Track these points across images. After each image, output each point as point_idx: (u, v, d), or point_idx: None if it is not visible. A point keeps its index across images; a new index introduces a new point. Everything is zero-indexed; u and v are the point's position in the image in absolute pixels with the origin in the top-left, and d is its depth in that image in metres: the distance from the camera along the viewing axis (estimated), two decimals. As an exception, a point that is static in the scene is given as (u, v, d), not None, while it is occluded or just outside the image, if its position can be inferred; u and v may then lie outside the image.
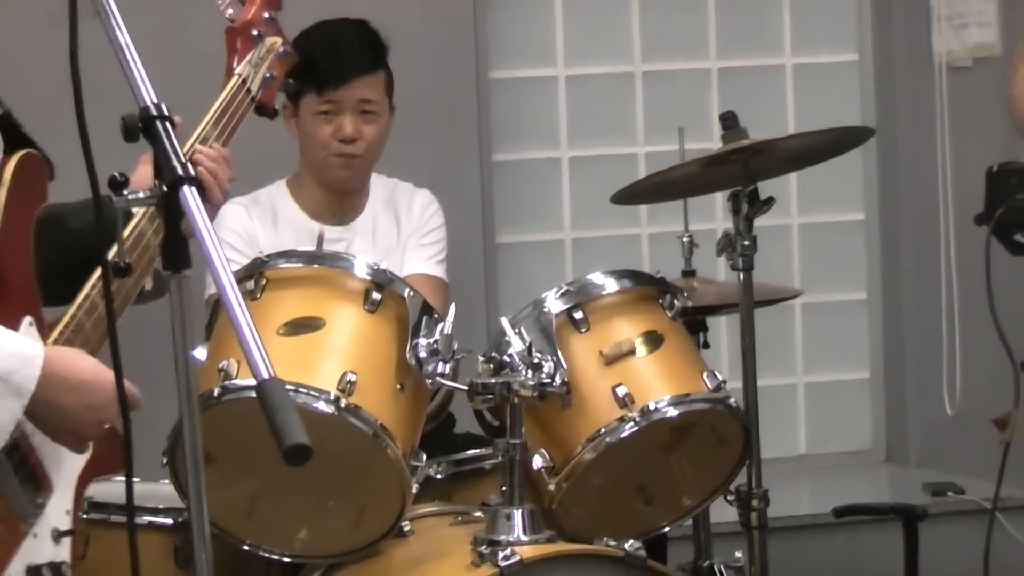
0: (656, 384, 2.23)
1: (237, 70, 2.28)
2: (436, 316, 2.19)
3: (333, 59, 2.75)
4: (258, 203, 2.86)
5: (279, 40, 2.31)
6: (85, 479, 2.13)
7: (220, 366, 2.02)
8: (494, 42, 3.68)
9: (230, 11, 2.26)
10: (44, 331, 1.85)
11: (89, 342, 1.91)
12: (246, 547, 2.19)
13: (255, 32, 2.27)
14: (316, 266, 2.25)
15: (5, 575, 1.88)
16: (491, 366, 2.15)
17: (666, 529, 2.43)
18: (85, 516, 2.21)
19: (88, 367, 1.82)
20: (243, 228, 2.76)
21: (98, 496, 2.18)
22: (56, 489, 2.05)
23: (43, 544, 2.00)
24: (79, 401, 1.81)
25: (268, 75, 2.28)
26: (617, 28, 3.81)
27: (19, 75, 3.20)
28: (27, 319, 1.83)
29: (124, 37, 1.55)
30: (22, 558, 1.90)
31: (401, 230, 2.93)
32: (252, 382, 1.29)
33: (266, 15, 2.29)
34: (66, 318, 1.89)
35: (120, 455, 1.83)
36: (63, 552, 2.00)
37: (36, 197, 1.86)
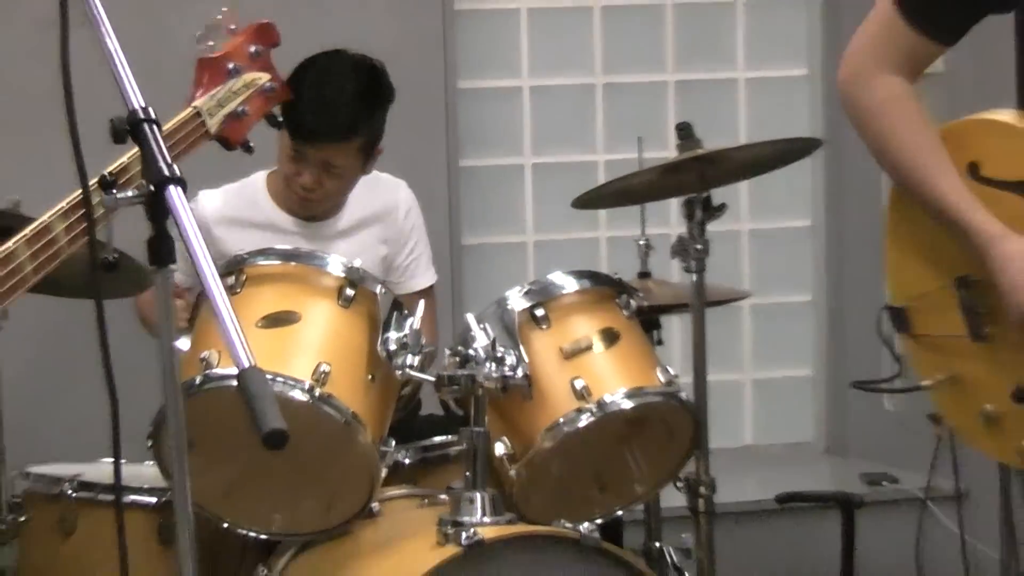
0: (612, 378, 2.28)
1: (195, 103, 2.08)
2: (406, 312, 2.25)
3: (307, 116, 2.54)
4: (239, 195, 2.83)
5: (265, 76, 2.12)
6: None
7: (202, 356, 2.09)
8: (463, 54, 3.67)
9: (210, 42, 2.09)
10: None
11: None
12: (225, 526, 2.25)
13: (230, 66, 2.08)
14: (293, 264, 2.30)
15: None
16: (457, 359, 2.21)
17: (619, 513, 2.48)
18: (74, 495, 2.32)
19: None
20: (201, 218, 2.63)
21: (87, 476, 2.26)
22: None
23: None
24: None
25: (239, 110, 2.10)
26: (579, 42, 3.82)
27: (11, 77, 3.27)
28: None
29: (113, 43, 1.57)
30: None
31: (387, 230, 2.91)
32: (233, 371, 1.33)
33: (252, 49, 2.12)
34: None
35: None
36: None
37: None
